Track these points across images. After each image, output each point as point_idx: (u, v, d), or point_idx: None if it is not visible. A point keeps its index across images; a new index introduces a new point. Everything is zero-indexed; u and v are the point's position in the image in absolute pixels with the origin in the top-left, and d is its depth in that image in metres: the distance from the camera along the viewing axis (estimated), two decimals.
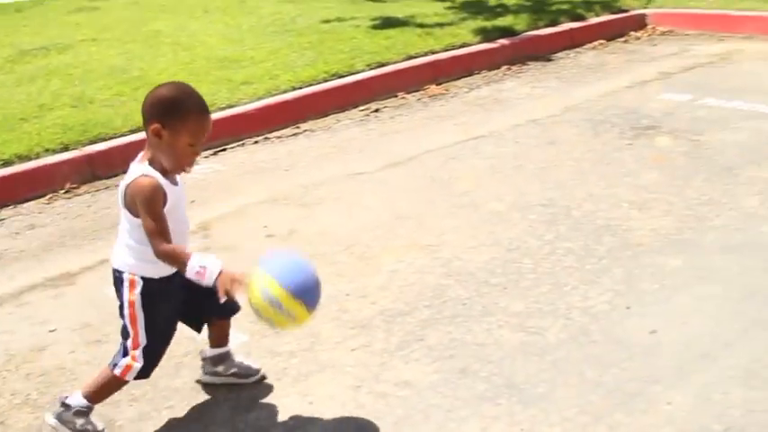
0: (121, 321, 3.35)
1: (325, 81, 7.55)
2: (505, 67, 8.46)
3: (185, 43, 9.06)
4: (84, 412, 3.40)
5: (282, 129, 7.03)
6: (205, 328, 3.60)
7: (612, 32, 9.58)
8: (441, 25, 9.20)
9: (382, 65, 7.95)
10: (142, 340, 3.31)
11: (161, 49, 8.86)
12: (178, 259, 3.16)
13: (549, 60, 8.71)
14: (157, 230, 3.15)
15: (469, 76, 8.24)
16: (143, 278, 3.29)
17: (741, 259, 4.37)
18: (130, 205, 3.20)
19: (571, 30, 9.37)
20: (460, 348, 3.77)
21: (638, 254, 4.51)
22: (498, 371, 3.58)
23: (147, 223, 3.15)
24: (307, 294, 3.04)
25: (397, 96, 7.65)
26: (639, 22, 9.88)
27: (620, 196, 5.27)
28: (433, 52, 8.36)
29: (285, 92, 7.35)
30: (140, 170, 3.18)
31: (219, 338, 3.66)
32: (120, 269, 3.32)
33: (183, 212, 3.32)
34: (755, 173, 5.46)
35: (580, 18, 9.69)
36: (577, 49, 9.11)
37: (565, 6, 10.03)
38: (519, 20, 9.39)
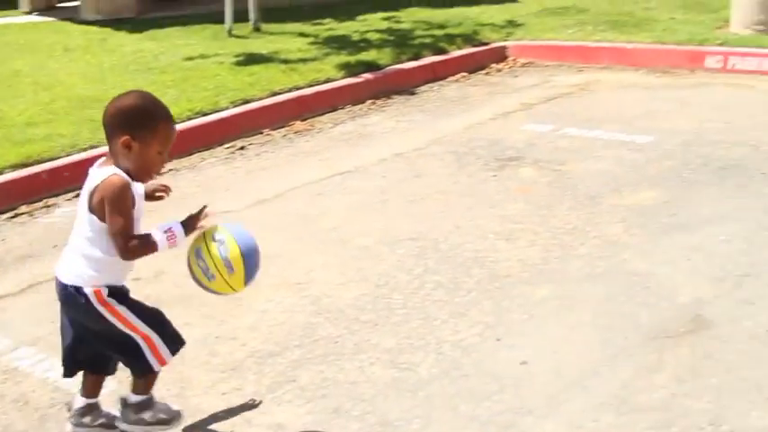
0: (95, 333, 3.24)
1: (189, 119, 7.45)
2: (370, 101, 8.50)
3: (45, 83, 8.85)
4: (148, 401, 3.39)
5: None
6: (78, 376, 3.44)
7: (474, 65, 9.72)
8: (304, 61, 9.19)
9: (247, 102, 7.90)
10: (142, 325, 3.21)
11: (20, 90, 8.63)
12: (147, 246, 3.10)
13: (413, 94, 8.78)
14: (126, 228, 3.07)
15: (334, 111, 8.25)
16: (106, 286, 3.16)
17: (606, 287, 4.45)
18: (97, 207, 3.08)
19: (434, 63, 9.48)
20: (333, 387, 3.72)
21: (506, 285, 4.54)
22: (371, 409, 3.55)
23: (116, 221, 3.05)
24: (251, 259, 3.15)
25: (262, 133, 7.60)
26: (500, 55, 10.05)
27: (487, 228, 5.32)
28: (298, 88, 8.34)
29: None
30: (109, 171, 3.09)
31: (96, 387, 3.48)
32: (75, 284, 3.16)
33: (140, 224, 3.21)
34: (617, 201, 5.57)
35: (442, 51, 9.81)
36: (440, 82, 9.21)
37: (427, 40, 10.14)
38: (382, 54, 9.45)
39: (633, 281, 4.48)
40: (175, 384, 3.81)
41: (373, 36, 10.46)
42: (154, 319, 3.28)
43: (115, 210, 3.05)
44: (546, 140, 6.96)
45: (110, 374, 3.49)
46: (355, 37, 10.49)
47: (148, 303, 3.33)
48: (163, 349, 3.27)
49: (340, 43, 10.09)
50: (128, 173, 3.10)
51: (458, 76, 9.42)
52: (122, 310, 3.18)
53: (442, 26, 10.88)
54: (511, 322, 4.16)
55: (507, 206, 5.64)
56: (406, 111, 8.18)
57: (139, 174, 3.15)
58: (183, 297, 4.46)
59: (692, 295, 4.28)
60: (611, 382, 3.59)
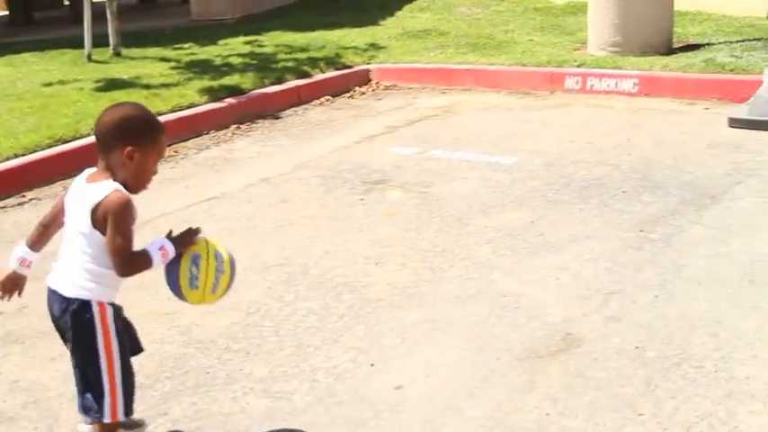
0: (79, 358, 3.17)
1: (50, 147, 7.26)
2: (234, 126, 8.43)
3: None
4: None
5: (6, 198, 6.68)
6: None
7: (338, 88, 9.74)
8: (167, 86, 9.06)
9: None
10: (118, 373, 3.14)
11: None
12: (144, 263, 3.10)
13: (278, 118, 8.74)
14: (128, 248, 3.07)
15: (198, 136, 8.15)
16: (109, 304, 3.15)
17: (476, 308, 4.47)
18: (101, 223, 3.05)
19: (298, 87, 9.47)
20: (206, 419, 3.65)
21: (377, 309, 4.53)
22: None
23: (118, 241, 3.03)
24: (234, 267, 3.29)
25: None
26: (364, 78, 10.10)
27: (356, 252, 5.31)
28: (161, 114, 8.19)
29: (7, 159, 7.01)
30: (109, 186, 3.07)
31: None
32: (81, 297, 3.10)
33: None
34: (485, 222, 5.63)
35: (306, 75, 9.80)
36: (305, 106, 9.21)
37: (290, 64, 10.12)
38: (245, 78, 9.39)
39: (503, 302, 4.52)
40: (43, 421, 3.68)
41: (236, 60, 10.39)
42: (126, 367, 3.19)
43: (119, 229, 3.04)
44: (412, 163, 7.00)
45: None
46: (218, 61, 10.40)
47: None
48: (120, 406, 3.17)
49: (202, 68, 9.99)
50: (124, 184, 3.11)
51: (322, 99, 9.42)
52: (114, 344, 3.14)
53: (304, 50, 10.87)
54: (384, 347, 4.15)
55: (376, 230, 5.65)
56: (272, 135, 8.14)
57: (136, 185, 3.17)
58: (48, 332, 4.32)
59: (562, 314, 4.34)
60: (486, 405, 3.61)
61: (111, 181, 3.09)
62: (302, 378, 3.92)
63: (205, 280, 3.17)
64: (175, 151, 7.70)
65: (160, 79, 9.38)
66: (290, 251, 5.37)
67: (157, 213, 6.15)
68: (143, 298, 4.75)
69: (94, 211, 3.05)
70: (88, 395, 3.17)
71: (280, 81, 9.52)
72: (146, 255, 3.09)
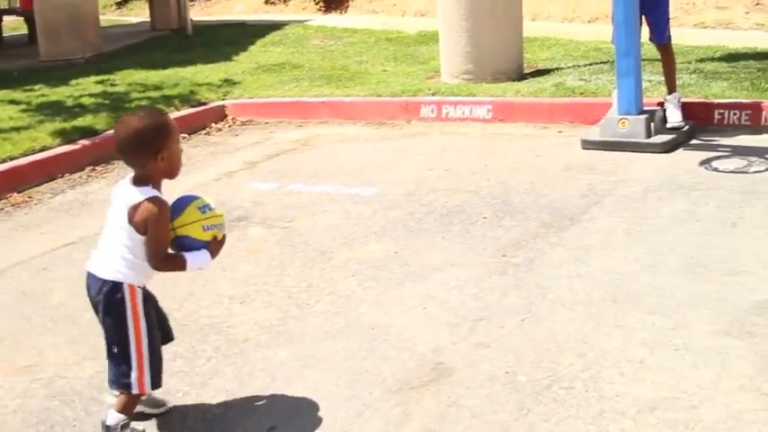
0: (110, 334, 3.61)
1: None
2: (90, 168, 8.23)
3: None
4: (125, 425, 3.63)
5: None
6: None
7: (194, 125, 9.63)
8: (17, 129, 8.81)
9: None
10: (145, 349, 3.59)
11: None
12: (177, 264, 3.62)
13: None
14: (165, 248, 3.56)
15: (53, 180, 7.93)
16: (138, 287, 3.61)
17: (345, 343, 4.45)
18: (140, 225, 3.50)
19: None
20: None
21: (245, 349, 4.47)
22: None
23: (156, 242, 3.52)
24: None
25: None
26: (219, 114, 10.02)
27: (221, 291, 5.24)
28: (12, 158, 7.97)
29: None
30: (147, 192, 3.52)
31: None
32: (116, 280, 3.56)
33: None
34: (349, 255, 5.62)
35: None
36: None
37: (144, 102, 9.96)
38: (99, 119, 9.19)
39: (372, 334, 4.51)
40: None
41: (88, 101, 10.17)
42: (153, 345, 3.64)
43: (158, 233, 3.51)
44: (272, 198, 6.95)
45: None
46: (69, 102, 10.16)
47: None
48: (147, 377, 3.61)
49: (54, 109, 9.75)
50: (158, 185, 3.59)
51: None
52: (142, 322, 3.61)
53: (158, 88, 10.73)
54: (254, 388, 4.09)
55: (239, 268, 5.58)
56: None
57: (174, 173, 3.67)
58: None
59: (431, 344, 4.36)
60: None
61: (149, 188, 3.54)
62: (173, 426, 3.83)
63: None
64: (29, 197, 7.48)
65: (10, 123, 9.11)
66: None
67: (13, 262, 5.97)
68: (2, 351, 4.58)
69: (131, 212, 3.50)
70: (118, 368, 3.60)
71: None
72: (180, 258, 3.60)
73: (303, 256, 5.68)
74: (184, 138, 9.23)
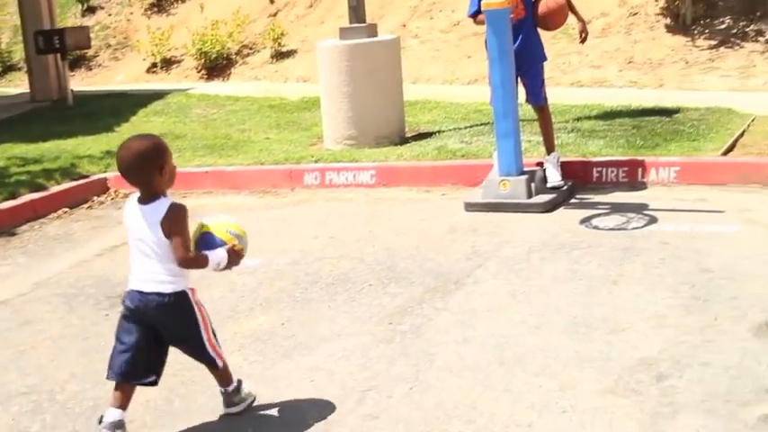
0: (183, 340, 4.22)
1: None
2: None
3: None
4: (237, 388, 4.41)
5: None
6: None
7: (76, 199, 9.44)
8: None
9: None
10: (216, 341, 4.26)
11: None
12: (200, 261, 4.10)
13: (13, 235, 8.37)
14: (188, 244, 4.04)
15: None
16: (191, 289, 4.17)
17: (232, 421, 4.41)
18: (170, 232, 4.01)
19: (33, 201, 9.10)
20: None
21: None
22: None
23: (182, 240, 4.01)
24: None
25: None
26: (102, 187, 9.84)
27: (103, 372, 5.10)
28: None
29: None
30: (166, 201, 4.05)
31: (128, 400, 4.24)
32: (177, 290, 4.09)
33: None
34: (235, 328, 5.57)
35: (41, 188, 9.46)
36: (42, 220, 8.85)
37: (24, 177, 9.75)
38: None
39: (259, 410, 4.46)
40: None
41: None
42: (211, 324, 4.26)
43: (181, 230, 4.02)
44: None
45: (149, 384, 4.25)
46: None
47: None
48: (219, 348, 4.29)
49: None
50: (166, 188, 4.09)
51: (60, 212, 9.10)
52: (205, 313, 4.23)
53: (38, 161, 10.52)
54: None
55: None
56: (7, 254, 7.78)
57: (172, 183, 4.13)
58: None
59: (319, 417, 4.32)
60: None
61: (163, 198, 4.05)
62: None
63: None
64: None
65: None
66: (33, 377, 5.12)
67: None
68: None
69: (164, 225, 4.00)
70: (201, 358, 4.28)
71: (13, 196, 9.13)
72: (203, 256, 4.09)
73: None
74: (66, 212, 9.07)
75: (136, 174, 4.04)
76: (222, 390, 4.40)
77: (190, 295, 4.15)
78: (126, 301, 4.20)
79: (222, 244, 4.16)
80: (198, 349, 4.22)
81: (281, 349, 5.19)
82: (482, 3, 7.52)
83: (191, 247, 4.07)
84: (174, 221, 4.00)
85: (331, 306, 5.80)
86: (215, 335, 4.28)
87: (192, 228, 4.18)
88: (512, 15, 7.53)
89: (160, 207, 4.02)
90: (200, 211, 8.43)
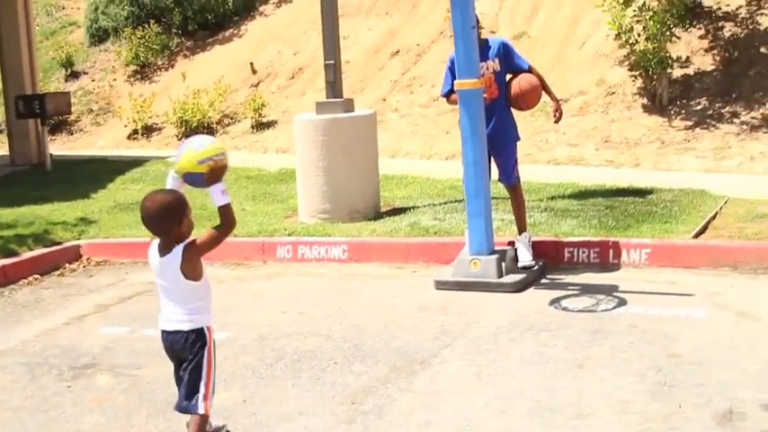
0: (187, 369, 4.56)
1: None
2: None
3: None
4: None
5: None
6: None
7: (48, 266, 9.41)
8: None
9: None
10: (212, 381, 4.58)
11: None
12: (229, 214, 4.60)
13: None
14: (211, 240, 4.60)
15: None
16: (208, 327, 4.59)
17: None
18: (190, 272, 4.54)
19: (4, 266, 9.07)
20: None
21: None
22: None
23: (212, 243, 4.59)
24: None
25: None
26: (74, 254, 9.82)
27: None
28: None
29: None
30: (180, 246, 4.51)
31: None
32: (196, 327, 4.55)
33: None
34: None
35: (12, 254, 9.44)
36: (12, 287, 8.81)
37: None
38: None
39: None
40: None
41: None
42: (215, 373, 4.63)
43: (207, 242, 4.58)
44: (122, 344, 6.81)
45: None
46: None
47: None
48: (210, 400, 4.57)
49: None
50: (182, 239, 4.53)
51: (30, 278, 9.06)
52: (213, 354, 4.61)
53: (11, 226, 10.50)
54: None
55: (83, 419, 5.43)
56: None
57: (190, 232, 4.59)
58: None
59: None
60: None
61: (179, 246, 4.50)
62: None
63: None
64: None
65: None
66: None
67: None
68: None
69: (184, 269, 4.50)
70: (189, 396, 4.56)
71: None
72: (222, 210, 4.56)
73: (150, 406, 5.55)
74: (37, 279, 9.03)
75: (158, 224, 4.51)
76: None
77: (206, 333, 4.58)
78: (161, 340, 4.70)
79: (201, 177, 4.50)
80: (194, 384, 4.54)
81: (242, 427, 5.13)
82: (455, 82, 7.60)
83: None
84: (202, 246, 4.56)
85: (295, 384, 5.76)
86: (213, 385, 4.61)
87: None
88: (485, 95, 7.61)
89: (176, 254, 4.48)
90: None
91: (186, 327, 4.53)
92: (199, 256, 4.55)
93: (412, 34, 17.02)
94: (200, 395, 4.53)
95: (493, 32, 16.23)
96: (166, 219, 4.47)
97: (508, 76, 7.98)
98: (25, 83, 16.17)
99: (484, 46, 7.85)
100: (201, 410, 4.52)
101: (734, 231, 8.38)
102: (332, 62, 10.15)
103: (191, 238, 4.55)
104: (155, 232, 4.57)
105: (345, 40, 17.42)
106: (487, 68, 7.82)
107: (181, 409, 4.61)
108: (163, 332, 4.64)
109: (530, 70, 7.99)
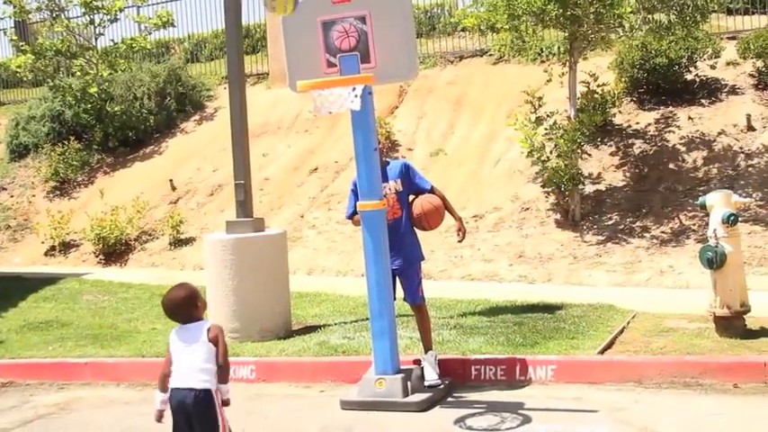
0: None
1: None
2: None
3: None
4: None
5: None
6: None
7: None
8: None
9: None
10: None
11: None
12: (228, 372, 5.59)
13: None
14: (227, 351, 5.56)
15: None
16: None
17: None
18: (214, 339, 5.47)
19: None
20: None
21: None
22: None
23: (225, 348, 5.51)
24: None
25: None
26: None
27: None
28: None
29: None
30: (205, 323, 5.58)
31: None
32: (207, 387, 5.37)
33: None
34: None
35: None
36: None
37: None
38: None
39: None
40: None
41: None
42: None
43: (224, 342, 5.52)
44: None
45: None
46: None
47: None
48: None
49: None
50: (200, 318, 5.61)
51: None
52: (225, 417, 5.43)
53: None
54: None
55: None
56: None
57: (204, 312, 5.67)
58: None
59: None
60: None
61: (201, 320, 5.59)
62: None
63: None
64: None
65: None
66: None
67: None
68: None
69: (208, 334, 5.48)
70: None
71: None
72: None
73: None
74: None
75: (181, 313, 5.56)
76: None
77: (215, 395, 5.41)
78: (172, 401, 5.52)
79: None
80: None
81: None
82: (357, 204, 7.68)
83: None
84: (218, 333, 5.51)
85: None
86: None
87: None
88: (387, 216, 7.70)
89: (203, 325, 5.53)
90: (75, 405, 8.33)
91: (199, 386, 5.38)
92: (224, 338, 5.57)
93: (330, 152, 17.20)
94: None
95: (410, 150, 16.49)
96: (186, 307, 5.54)
97: (411, 197, 8.08)
98: None
99: (386, 167, 7.97)
100: None
101: (640, 346, 8.48)
102: (242, 182, 10.23)
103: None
104: (177, 318, 5.57)
105: (265, 157, 17.65)
106: (389, 189, 7.92)
107: None
108: (173, 390, 5.51)
109: (431, 191, 8.10)
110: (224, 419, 5.45)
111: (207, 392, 5.37)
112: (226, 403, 5.50)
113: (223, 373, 5.46)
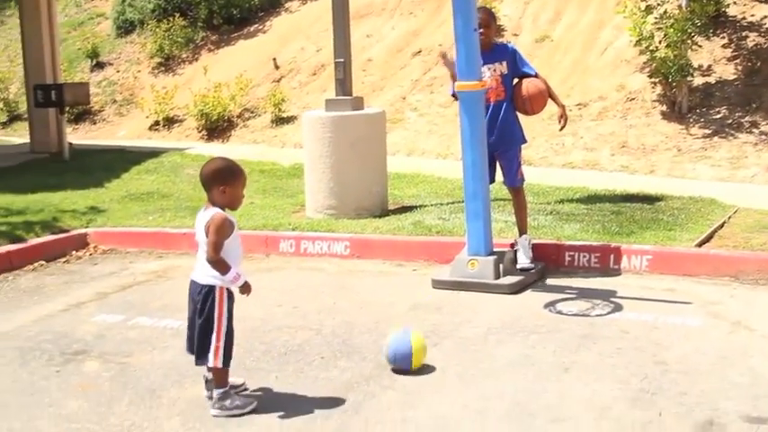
0: (201, 323, 5.15)
1: None
2: None
3: None
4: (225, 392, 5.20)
5: None
6: None
7: (54, 253, 9.46)
8: None
9: None
10: (223, 337, 5.16)
11: None
12: (223, 266, 5.07)
13: None
14: (217, 244, 5.02)
15: None
16: (227, 289, 5.19)
17: None
18: (207, 232, 5.04)
19: (9, 252, 9.12)
20: None
21: None
22: None
23: (212, 239, 5.01)
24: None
25: None
26: (81, 242, 9.87)
27: (43, 428, 5.09)
28: None
29: None
30: (213, 211, 5.07)
31: None
32: (209, 284, 5.15)
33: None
34: (178, 393, 5.53)
35: (19, 240, 9.49)
36: (17, 272, 8.86)
37: (4, 228, 9.79)
38: None
39: None
40: None
41: None
42: (230, 331, 5.20)
43: (214, 232, 5.02)
44: (115, 332, 6.84)
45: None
46: None
47: None
48: (221, 356, 5.13)
49: None
50: (223, 207, 5.11)
51: (35, 264, 9.12)
52: (225, 311, 5.19)
53: (21, 213, 10.57)
54: None
55: (66, 404, 5.44)
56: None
57: (231, 207, 5.19)
58: None
59: None
60: None
61: (213, 208, 5.10)
62: None
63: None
64: None
65: None
66: None
67: None
68: None
69: (207, 228, 5.04)
70: (202, 349, 5.15)
71: None
72: (226, 266, 5.08)
73: (133, 394, 5.56)
74: (42, 265, 9.08)
75: (205, 184, 5.16)
76: (210, 392, 5.24)
77: (217, 292, 5.15)
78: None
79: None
80: (207, 337, 5.13)
81: (219, 419, 5.14)
82: (455, 84, 7.58)
83: (220, 248, 5.02)
84: (212, 224, 5.00)
85: (278, 377, 5.76)
86: (228, 342, 5.18)
87: None
88: (489, 96, 7.60)
89: (209, 214, 5.06)
90: (172, 273, 8.50)
91: (202, 280, 5.15)
92: (215, 231, 5.01)
93: (435, 35, 17.00)
94: (211, 353, 5.10)
95: (515, 35, 16.20)
96: (211, 181, 5.10)
97: (515, 81, 7.95)
98: (46, 72, 16.26)
99: (494, 49, 7.84)
100: (212, 363, 5.12)
101: (739, 241, 8.30)
102: (342, 60, 10.16)
103: (224, 214, 5.08)
104: (205, 191, 5.18)
105: (369, 38, 17.52)
106: (494, 71, 7.81)
107: (196, 358, 5.22)
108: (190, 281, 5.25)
109: (536, 77, 7.96)
110: (221, 319, 5.16)
111: (208, 288, 5.14)
112: (244, 290, 5.24)
113: (215, 267, 5.06)
